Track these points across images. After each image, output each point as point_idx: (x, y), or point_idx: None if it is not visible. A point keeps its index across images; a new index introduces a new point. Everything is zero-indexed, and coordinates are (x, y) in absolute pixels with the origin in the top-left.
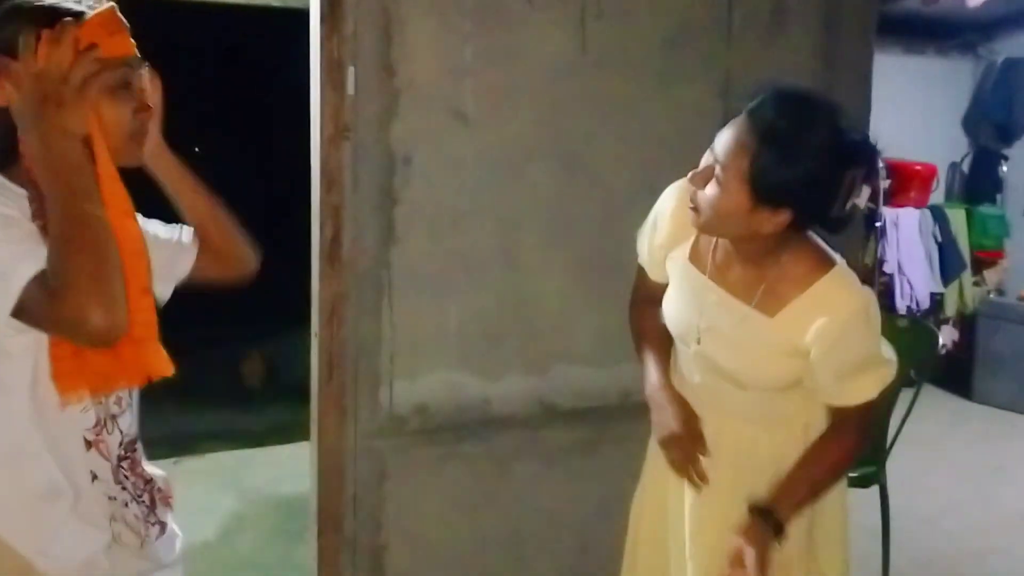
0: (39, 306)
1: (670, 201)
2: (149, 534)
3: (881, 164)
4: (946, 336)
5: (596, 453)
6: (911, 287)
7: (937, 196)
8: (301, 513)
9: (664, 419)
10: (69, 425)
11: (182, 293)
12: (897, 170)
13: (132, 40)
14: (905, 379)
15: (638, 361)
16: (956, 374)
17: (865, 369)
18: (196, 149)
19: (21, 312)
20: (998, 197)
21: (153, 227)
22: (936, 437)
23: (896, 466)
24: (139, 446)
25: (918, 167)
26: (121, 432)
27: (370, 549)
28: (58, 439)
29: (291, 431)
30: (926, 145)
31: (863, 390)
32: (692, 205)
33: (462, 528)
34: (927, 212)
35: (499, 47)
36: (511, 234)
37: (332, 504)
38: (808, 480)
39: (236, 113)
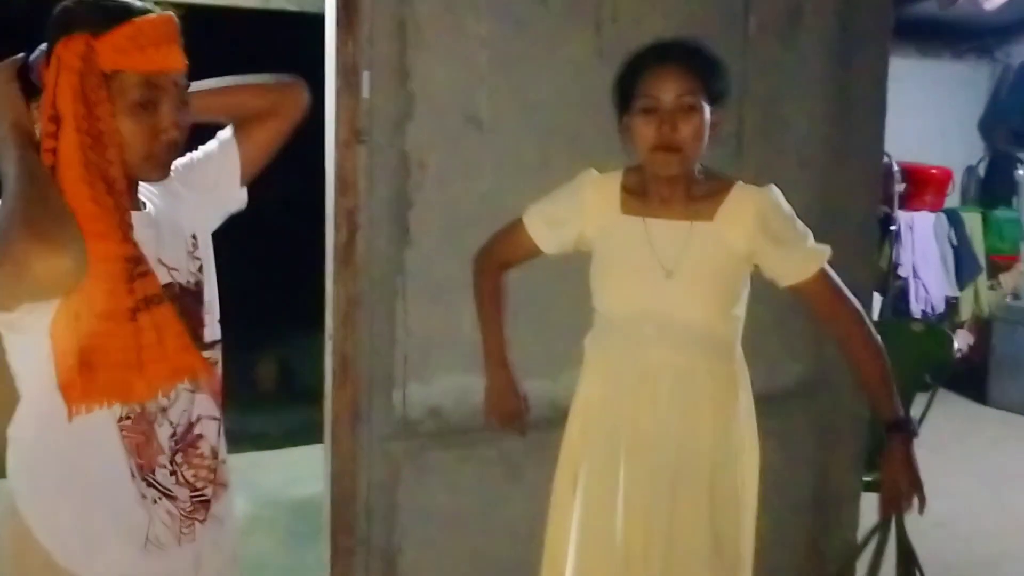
0: None
1: (591, 183)
2: (192, 532)
3: (896, 168)
4: (961, 340)
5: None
6: (926, 291)
7: (953, 200)
8: (314, 515)
9: (492, 388)
10: (103, 422)
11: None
12: (913, 174)
13: (178, 57)
14: (920, 383)
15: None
16: (971, 378)
17: (809, 240)
18: None
19: None
20: (1014, 200)
21: (190, 156)
22: (951, 441)
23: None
24: (205, 434)
25: (934, 171)
26: (171, 424)
27: (383, 552)
28: (92, 437)
29: (304, 434)
30: (942, 149)
31: (817, 255)
32: (675, 149)
33: (475, 531)
34: (942, 216)
35: (514, 52)
36: None
37: (345, 506)
38: (882, 378)
39: None
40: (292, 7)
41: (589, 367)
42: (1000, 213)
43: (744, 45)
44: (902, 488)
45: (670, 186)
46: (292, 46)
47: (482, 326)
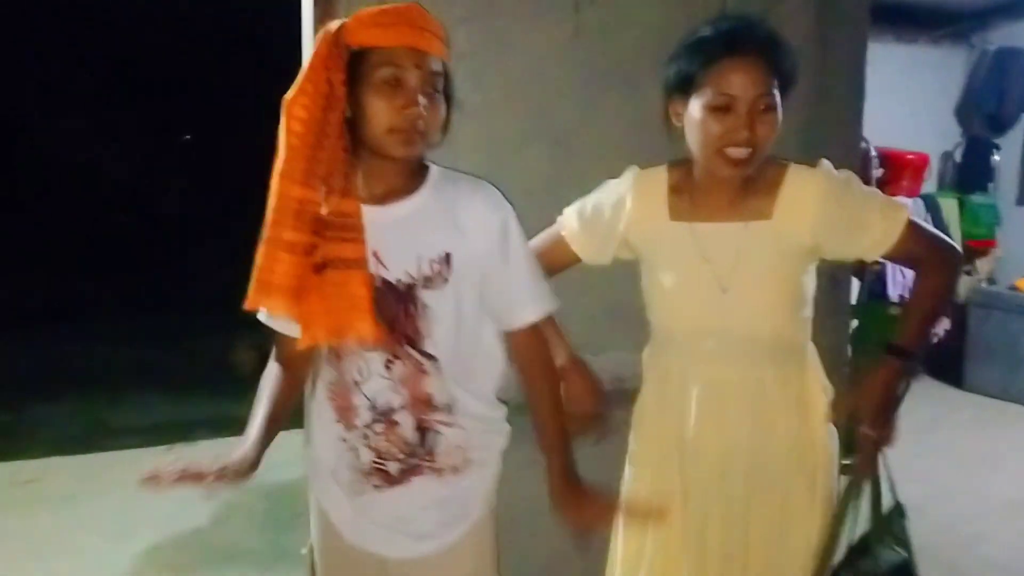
0: None
1: (635, 184)
2: (363, 492)
3: (874, 153)
4: (938, 325)
5: (586, 445)
6: (903, 275)
7: (929, 185)
8: (292, 500)
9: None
10: (325, 386)
11: (172, 282)
12: (890, 159)
13: (424, 40)
14: None
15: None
16: (947, 363)
17: (880, 201)
18: (187, 136)
19: None
20: (990, 186)
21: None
22: (927, 425)
23: (887, 454)
24: (402, 424)
25: (910, 156)
26: (368, 399)
27: None
28: (319, 386)
29: None
30: (918, 134)
31: (896, 214)
32: (746, 153)
33: None
34: (919, 201)
35: (492, 32)
36: None
37: None
38: (925, 312)
39: (234, 99)
40: None
41: (649, 384)
42: (976, 198)
43: None
44: (865, 408)
45: (725, 185)
46: (269, 27)
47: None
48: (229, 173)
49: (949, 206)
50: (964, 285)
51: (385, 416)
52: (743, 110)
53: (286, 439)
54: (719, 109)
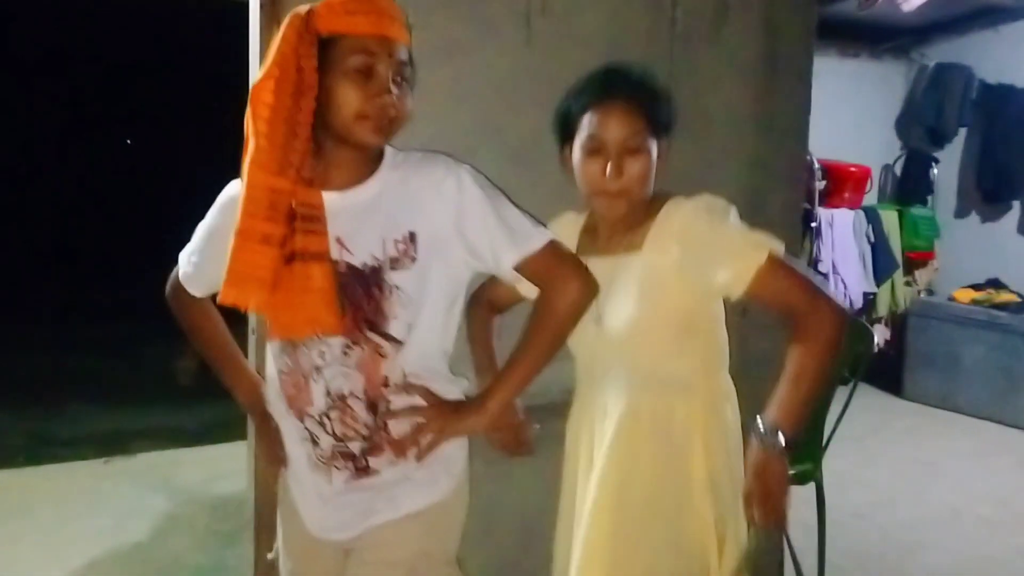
0: None
1: (558, 226)
2: (329, 476)
3: (817, 165)
4: (878, 335)
5: (538, 450)
6: (845, 286)
7: (870, 197)
8: (235, 513)
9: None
10: (277, 375)
11: (114, 290)
12: (832, 171)
13: (393, 28)
14: (840, 377)
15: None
16: (887, 372)
17: (743, 238)
18: (128, 142)
19: None
20: (929, 199)
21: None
22: (868, 433)
23: (830, 462)
24: (355, 409)
25: (852, 168)
26: (327, 382)
27: None
28: (272, 382)
29: (225, 430)
30: (860, 147)
31: (754, 252)
32: (618, 191)
33: None
34: (861, 213)
35: (443, 41)
36: None
37: (269, 504)
38: (794, 381)
39: (176, 105)
40: None
41: (575, 401)
42: (916, 211)
43: (671, 40)
44: (752, 498)
45: (610, 221)
46: (216, 33)
47: (475, 370)
48: (170, 179)
49: (890, 218)
50: (904, 296)
51: (340, 400)
52: (613, 152)
53: (227, 451)
54: (591, 151)
